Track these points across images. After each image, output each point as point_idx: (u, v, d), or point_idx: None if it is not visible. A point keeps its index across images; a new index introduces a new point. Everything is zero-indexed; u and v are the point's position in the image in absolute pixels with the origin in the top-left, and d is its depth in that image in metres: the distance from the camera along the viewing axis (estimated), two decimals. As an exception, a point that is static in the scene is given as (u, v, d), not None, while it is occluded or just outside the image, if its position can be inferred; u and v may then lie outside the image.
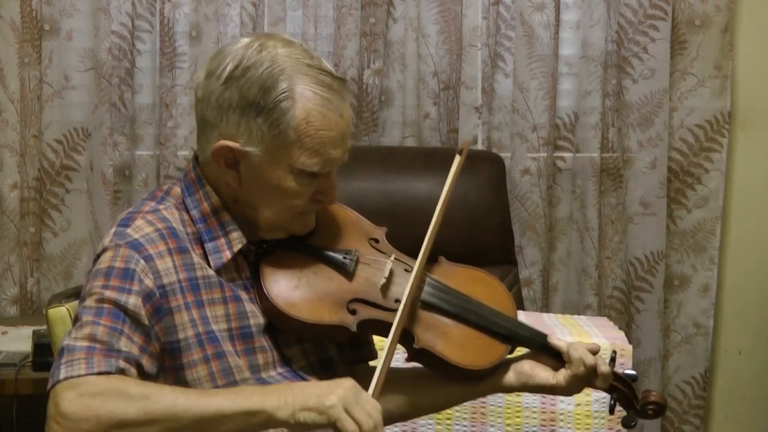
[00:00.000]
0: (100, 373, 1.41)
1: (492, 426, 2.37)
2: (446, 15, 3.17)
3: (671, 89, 3.22)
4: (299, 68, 1.55)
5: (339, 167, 1.62)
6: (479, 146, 3.22)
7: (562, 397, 2.21)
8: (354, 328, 1.61)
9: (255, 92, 1.54)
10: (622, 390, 1.77)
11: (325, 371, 1.66)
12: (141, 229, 1.56)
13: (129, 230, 1.56)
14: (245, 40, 1.59)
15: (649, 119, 3.20)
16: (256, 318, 1.61)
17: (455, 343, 1.67)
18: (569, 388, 1.71)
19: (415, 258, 1.68)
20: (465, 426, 2.37)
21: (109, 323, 1.46)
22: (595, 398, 2.33)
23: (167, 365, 1.54)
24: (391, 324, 1.60)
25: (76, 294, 1.75)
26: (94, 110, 3.10)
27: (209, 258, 1.59)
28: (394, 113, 3.21)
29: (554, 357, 1.71)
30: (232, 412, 1.40)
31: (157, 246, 1.55)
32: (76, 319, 1.49)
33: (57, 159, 3.14)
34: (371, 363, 1.80)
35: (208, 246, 1.60)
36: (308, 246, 1.66)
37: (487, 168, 3.02)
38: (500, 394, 2.35)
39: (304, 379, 1.62)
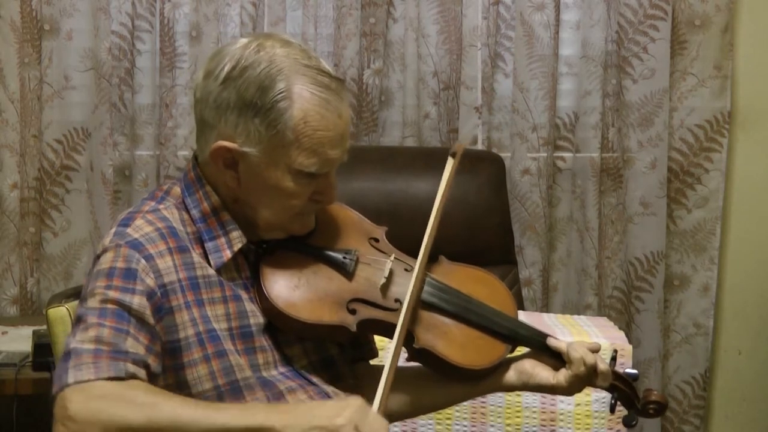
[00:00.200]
0: (109, 378, 1.41)
1: (492, 426, 2.37)
2: (446, 15, 3.17)
3: (671, 89, 3.22)
4: (297, 68, 1.55)
5: (338, 167, 1.62)
6: (479, 146, 3.22)
7: (562, 397, 2.21)
8: (354, 328, 1.61)
9: (252, 92, 1.53)
10: (623, 389, 1.77)
11: (327, 370, 1.66)
12: (141, 228, 1.56)
13: (129, 230, 1.56)
14: (243, 41, 1.59)
15: (649, 119, 3.20)
16: (256, 317, 1.60)
17: (455, 343, 1.67)
18: (570, 388, 1.71)
19: (416, 257, 1.68)
20: (465, 426, 2.37)
21: (114, 324, 1.46)
22: (595, 398, 2.33)
23: (167, 365, 1.53)
24: (390, 323, 1.61)
25: (76, 294, 1.75)
26: (94, 110, 3.10)
27: (209, 257, 1.59)
28: (394, 113, 3.21)
29: (554, 357, 1.71)
30: (237, 428, 1.40)
31: (158, 245, 1.55)
32: (78, 320, 1.48)
33: (57, 159, 3.14)
34: (372, 362, 1.80)
35: (208, 245, 1.60)
36: (308, 246, 1.66)
37: (487, 168, 3.02)
38: (500, 394, 2.35)
39: (305, 378, 1.62)
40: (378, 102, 3.20)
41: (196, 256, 1.59)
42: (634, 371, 1.79)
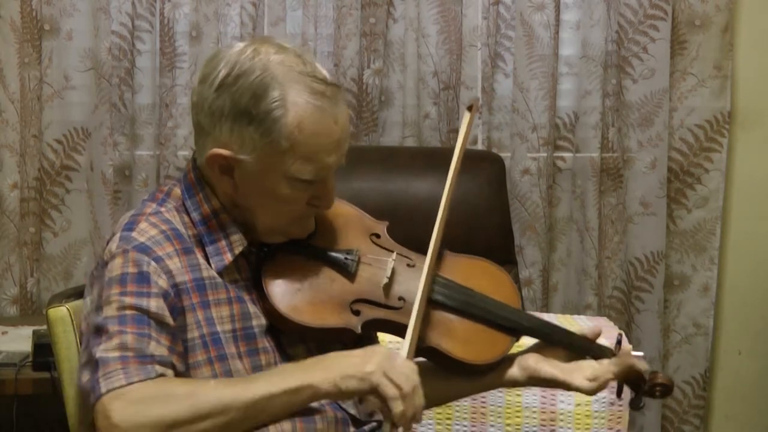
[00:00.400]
0: (140, 381, 1.42)
1: (492, 426, 2.37)
2: (446, 15, 3.17)
3: (671, 89, 3.22)
4: (291, 76, 1.54)
5: (337, 170, 1.62)
6: (479, 146, 3.22)
7: (562, 398, 2.22)
8: (358, 330, 1.61)
9: (247, 101, 1.53)
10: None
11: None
12: (146, 232, 1.56)
13: (134, 234, 1.56)
14: (240, 45, 1.58)
15: (649, 119, 3.20)
16: (259, 319, 1.60)
17: (459, 338, 1.67)
18: (599, 388, 1.72)
19: (418, 252, 1.67)
20: (465, 426, 2.37)
21: (135, 330, 1.47)
22: (595, 398, 2.33)
23: None
24: (395, 321, 1.61)
25: (77, 294, 1.75)
26: (94, 110, 3.10)
27: (210, 261, 1.59)
28: (394, 113, 3.20)
29: (563, 347, 1.72)
30: (279, 392, 1.44)
31: (165, 247, 1.55)
32: (98, 331, 1.48)
33: (57, 159, 3.14)
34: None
35: (209, 249, 1.59)
36: (309, 247, 1.66)
37: (487, 168, 3.02)
38: (500, 394, 2.35)
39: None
40: (378, 102, 3.20)
41: (200, 257, 1.59)
42: (640, 354, 1.79)
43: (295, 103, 1.53)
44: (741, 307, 3.35)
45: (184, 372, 1.52)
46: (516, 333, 1.72)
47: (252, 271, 1.64)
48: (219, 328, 1.56)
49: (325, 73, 1.58)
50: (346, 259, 1.66)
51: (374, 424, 1.65)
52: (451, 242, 1.77)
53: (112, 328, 1.46)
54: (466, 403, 2.35)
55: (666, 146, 3.21)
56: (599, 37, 3.17)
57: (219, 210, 1.62)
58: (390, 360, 1.47)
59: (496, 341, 1.70)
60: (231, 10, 3.13)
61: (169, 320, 1.50)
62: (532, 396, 2.34)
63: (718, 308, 3.33)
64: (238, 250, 1.61)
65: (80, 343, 1.63)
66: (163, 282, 1.52)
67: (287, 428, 1.53)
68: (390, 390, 1.45)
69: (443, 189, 1.71)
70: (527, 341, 1.77)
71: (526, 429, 2.36)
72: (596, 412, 2.35)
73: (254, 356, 1.58)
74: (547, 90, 3.17)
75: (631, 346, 1.94)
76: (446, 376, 1.73)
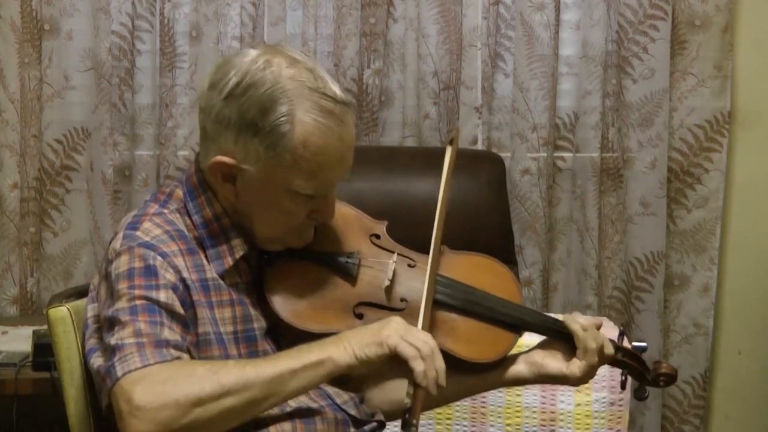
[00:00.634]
0: (157, 363, 1.42)
1: (492, 426, 2.37)
2: (446, 15, 3.17)
3: (671, 89, 3.22)
4: (301, 92, 1.54)
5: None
6: (479, 146, 3.22)
7: (562, 397, 2.22)
8: None
9: (254, 113, 1.53)
10: (632, 365, 1.78)
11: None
12: (150, 231, 1.56)
13: (138, 233, 1.56)
14: (252, 54, 1.57)
15: (649, 119, 3.20)
16: (260, 322, 1.61)
17: (462, 337, 1.67)
18: (584, 377, 1.72)
19: (418, 252, 1.67)
20: (465, 426, 2.38)
21: (147, 318, 1.47)
22: (595, 398, 2.33)
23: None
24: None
25: (77, 294, 1.75)
26: (94, 110, 3.10)
27: (211, 264, 1.59)
28: (394, 113, 3.20)
29: (563, 340, 1.73)
30: (300, 367, 1.44)
31: (170, 246, 1.55)
32: (111, 323, 1.48)
33: (57, 159, 3.13)
34: None
35: (210, 252, 1.60)
36: (310, 252, 1.66)
37: (487, 168, 3.02)
38: (500, 394, 2.35)
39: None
40: (378, 102, 3.20)
41: (203, 259, 1.59)
42: (643, 344, 1.80)
43: (302, 120, 1.53)
44: (741, 307, 3.35)
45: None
46: (519, 329, 1.72)
47: (253, 274, 1.64)
48: (221, 330, 1.57)
49: (335, 89, 1.57)
50: (347, 262, 1.66)
51: (374, 424, 1.65)
52: (451, 242, 1.77)
53: (125, 318, 1.46)
54: (466, 403, 2.35)
55: (666, 146, 3.21)
56: (599, 37, 3.17)
57: (220, 214, 1.62)
58: (405, 326, 1.49)
59: (500, 339, 1.71)
60: (231, 10, 3.13)
61: (180, 310, 1.50)
62: (532, 396, 2.34)
63: (718, 308, 3.33)
64: (238, 254, 1.61)
65: (81, 344, 1.63)
66: (170, 275, 1.52)
67: (287, 428, 1.53)
68: (409, 350, 1.46)
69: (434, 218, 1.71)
70: (528, 340, 1.77)
71: (526, 429, 2.36)
72: (596, 412, 2.35)
73: (255, 358, 1.58)
74: (547, 90, 3.17)
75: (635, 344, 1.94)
76: (451, 374, 1.73)
